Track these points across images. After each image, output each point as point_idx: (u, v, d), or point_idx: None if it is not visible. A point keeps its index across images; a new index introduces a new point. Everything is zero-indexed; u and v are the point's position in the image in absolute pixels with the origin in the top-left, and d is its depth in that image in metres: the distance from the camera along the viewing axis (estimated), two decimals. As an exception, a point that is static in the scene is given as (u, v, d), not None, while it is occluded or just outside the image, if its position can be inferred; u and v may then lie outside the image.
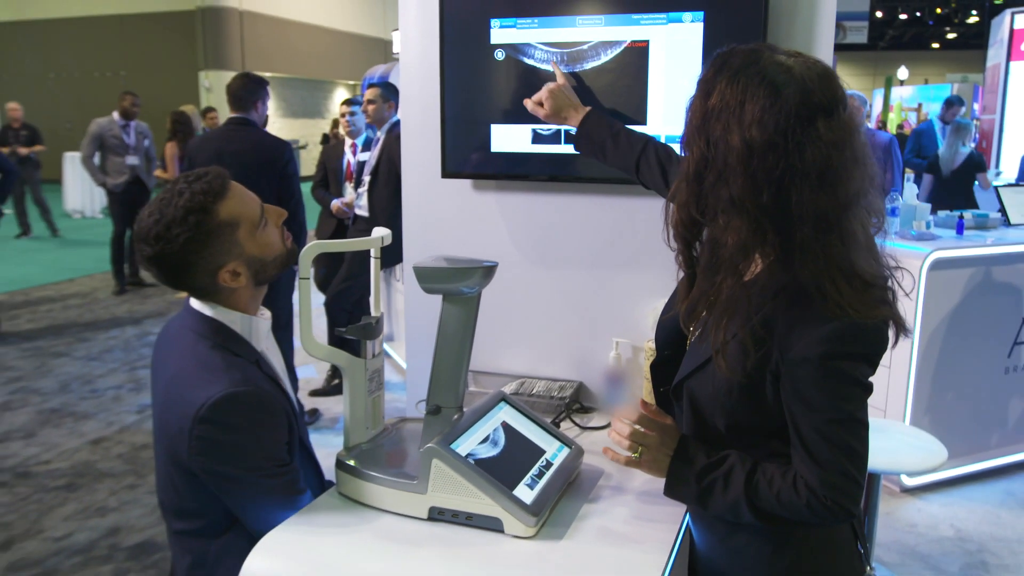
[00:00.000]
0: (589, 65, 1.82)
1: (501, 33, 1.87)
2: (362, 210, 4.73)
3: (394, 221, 4.63)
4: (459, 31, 1.90)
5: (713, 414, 1.25)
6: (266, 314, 1.56)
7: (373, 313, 1.58)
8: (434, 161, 2.04)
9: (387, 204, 4.60)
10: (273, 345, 1.58)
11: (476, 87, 1.92)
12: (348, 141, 5.33)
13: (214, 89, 15.68)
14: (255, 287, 1.49)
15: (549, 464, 1.50)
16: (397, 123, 4.69)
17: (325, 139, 10.64)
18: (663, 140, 1.81)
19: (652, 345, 1.89)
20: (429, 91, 2.04)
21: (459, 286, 1.45)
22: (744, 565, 1.30)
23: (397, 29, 9.11)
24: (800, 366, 1.11)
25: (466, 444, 1.42)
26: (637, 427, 1.26)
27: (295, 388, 1.70)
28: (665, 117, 1.79)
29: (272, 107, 3.74)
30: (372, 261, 1.59)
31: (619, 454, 1.28)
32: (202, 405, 1.32)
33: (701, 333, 1.28)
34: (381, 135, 4.62)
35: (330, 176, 5.29)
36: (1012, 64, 8.55)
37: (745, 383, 1.17)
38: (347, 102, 5.44)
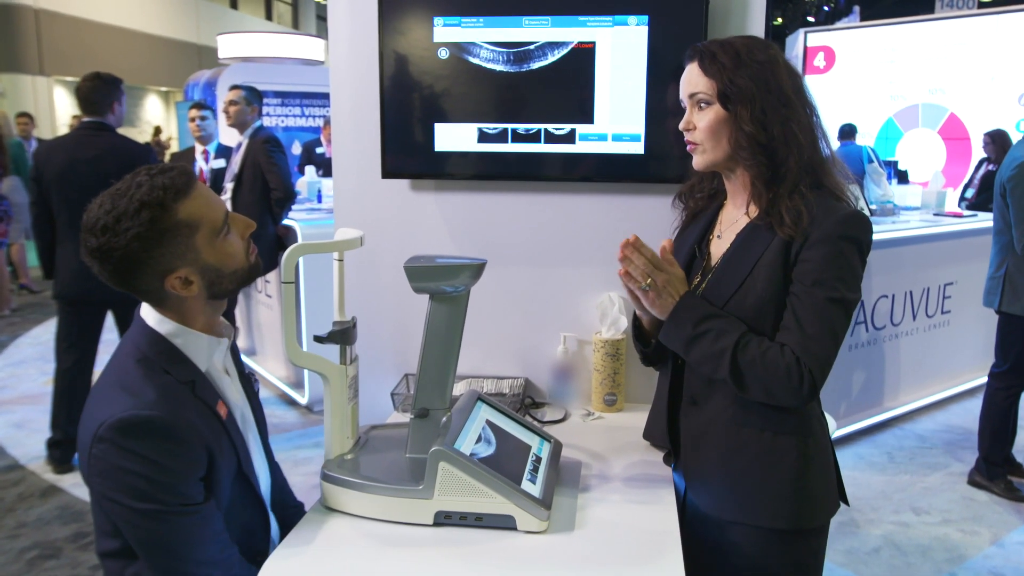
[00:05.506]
0: (536, 65, 1.84)
1: (445, 31, 1.84)
2: (225, 219, 4.48)
3: (260, 229, 4.46)
4: (399, 30, 1.86)
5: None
6: (227, 330, 1.45)
7: (339, 318, 1.53)
8: (371, 162, 1.99)
9: (253, 210, 4.39)
10: (231, 367, 1.47)
11: (419, 86, 1.88)
12: (199, 148, 5.04)
13: (8, 94, 14.19)
14: (209, 299, 1.36)
15: (539, 459, 1.51)
16: (261, 127, 4.49)
17: (157, 147, 10.06)
18: (609, 139, 1.87)
19: (600, 337, 1.95)
20: (364, 91, 1.97)
21: (449, 284, 1.43)
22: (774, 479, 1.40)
23: (223, 33, 8.67)
24: (817, 246, 1.30)
25: (465, 445, 1.40)
26: (650, 262, 1.34)
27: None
28: (612, 117, 1.84)
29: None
30: (335, 264, 1.53)
31: (635, 279, 1.34)
32: (102, 423, 1.20)
33: (723, 267, 1.41)
34: (244, 140, 4.41)
35: (181, 185, 4.96)
36: (806, 79, 9.46)
37: (779, 289, 1.33)
38: (197, 106, 5.15)
